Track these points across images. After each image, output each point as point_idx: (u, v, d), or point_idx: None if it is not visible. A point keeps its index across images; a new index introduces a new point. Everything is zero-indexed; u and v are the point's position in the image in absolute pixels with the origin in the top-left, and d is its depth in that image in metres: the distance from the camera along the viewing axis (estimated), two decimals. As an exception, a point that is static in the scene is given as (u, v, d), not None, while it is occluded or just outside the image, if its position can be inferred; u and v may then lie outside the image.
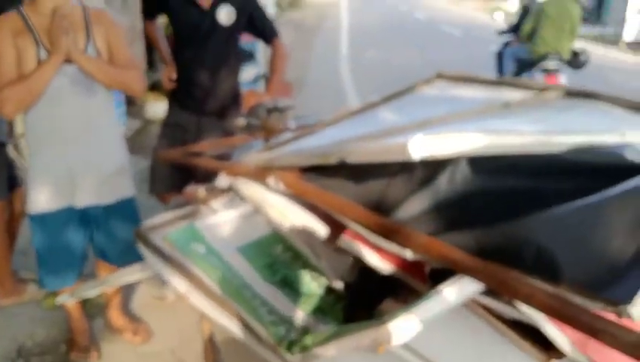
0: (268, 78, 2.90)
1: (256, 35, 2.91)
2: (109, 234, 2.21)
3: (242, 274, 1.45)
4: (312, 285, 1.41)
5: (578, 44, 5.35)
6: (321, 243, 1.42)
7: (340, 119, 2.06)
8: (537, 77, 5.08)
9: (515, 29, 5.80)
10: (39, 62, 1.89)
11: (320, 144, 1.53)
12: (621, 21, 14.15)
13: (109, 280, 1.91)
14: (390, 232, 1.10)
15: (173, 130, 2.91)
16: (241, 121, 3.06)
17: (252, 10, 2.81)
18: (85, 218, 2.16)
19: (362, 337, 0.95)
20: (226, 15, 2.72)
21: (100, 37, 2.04)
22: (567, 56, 5.15)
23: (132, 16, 6.50)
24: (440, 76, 2.39)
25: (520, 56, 5.40)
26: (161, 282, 2.78)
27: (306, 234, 1.44)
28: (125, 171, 2.23)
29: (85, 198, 2.10)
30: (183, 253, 1.50)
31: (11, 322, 2.63)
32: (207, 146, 2.71)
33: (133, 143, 4.48)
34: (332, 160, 1.30)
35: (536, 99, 1.77)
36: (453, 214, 1.15)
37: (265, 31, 2.86)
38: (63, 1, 1.93)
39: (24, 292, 2.80)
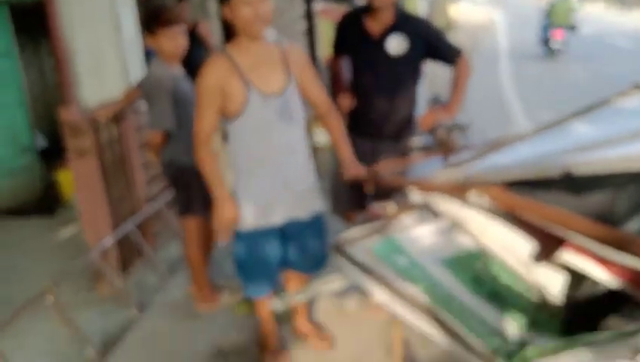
0: (450, 95, 2.83)
1: (438, 59, 2.88)
2: (302, 246, 2.38)
3: (448, 286, 1.48)
4: (523, 299, 1.39)
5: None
6: (531, 257, 1.40)
7: (530, 135, 2.02)
8: (552, 31, 12.50)
9: (546, 15, 12.90)
10: (245, 98, 2.09)
11: (525, 158, 1.51)
12: None
13: (311, 289, 2.04)
14: (623, 244, 1.06)
15: None
16: (416, 141, 3.12)
17: (428, 36, 2.77)
18: (281, 233, 2.34)
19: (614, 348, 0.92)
20: (395, 45, 2.73)
21: (297, 72, 2.21)
22: (568, 25, 12.45)
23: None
24: (638, 87, 2.25)
25: (546, 23, 12.84)
26: (343, 293, 2.92)
27: (514, 249, 1.43)
28: (316, 189, 2.39)
29: (284, 215, 2.28)
30: (386, 264, 1.57)
31: (210, 326, 2.92)
32: (386, 166, 2.78)
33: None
34: (553, 173, 1.27)
35: None
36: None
37: (446, 53, 2.81)
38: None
39: (219, 299, 3.10)
